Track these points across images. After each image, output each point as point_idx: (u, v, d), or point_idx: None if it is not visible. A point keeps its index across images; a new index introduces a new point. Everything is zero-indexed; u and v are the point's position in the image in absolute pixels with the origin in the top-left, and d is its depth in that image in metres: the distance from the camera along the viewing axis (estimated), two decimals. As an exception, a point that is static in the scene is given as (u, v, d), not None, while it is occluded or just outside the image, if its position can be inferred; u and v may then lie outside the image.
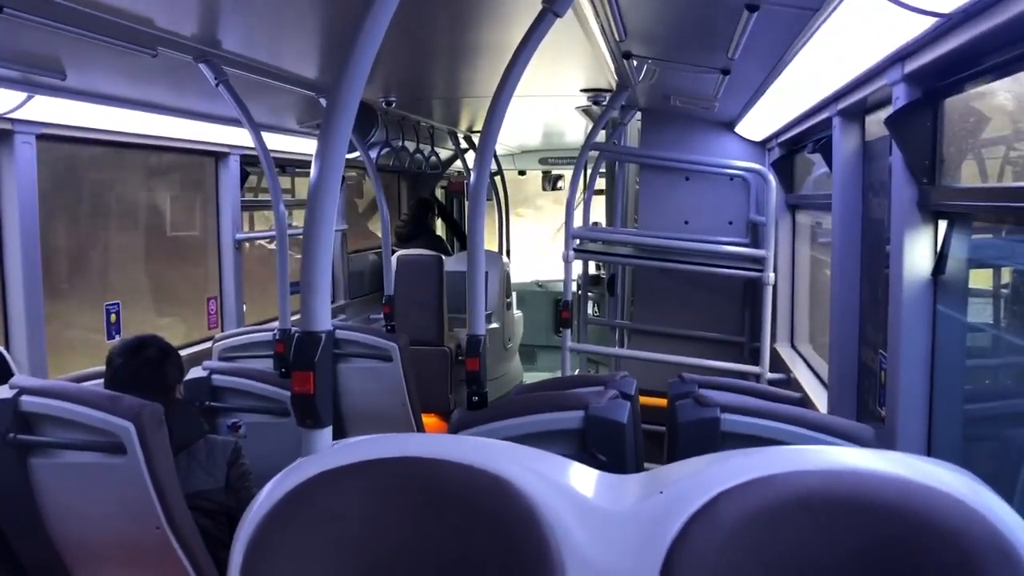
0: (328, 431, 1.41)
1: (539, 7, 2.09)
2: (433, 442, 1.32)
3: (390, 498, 1.24)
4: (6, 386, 2.37)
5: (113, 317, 3.86)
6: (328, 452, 1.32)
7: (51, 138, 3.31)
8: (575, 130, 6.65)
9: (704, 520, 1.16)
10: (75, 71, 2.92)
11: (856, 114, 2.97)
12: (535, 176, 8.75)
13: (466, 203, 8.68)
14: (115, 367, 2.59)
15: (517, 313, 7.14)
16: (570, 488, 1.23)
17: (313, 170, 1.45)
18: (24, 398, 2.33)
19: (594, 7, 2.58)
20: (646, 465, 2.37)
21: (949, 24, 1.73)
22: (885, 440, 2.32)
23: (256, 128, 3.39)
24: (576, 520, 1.20)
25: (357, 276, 6.57)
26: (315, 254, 1.43)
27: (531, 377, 7.50)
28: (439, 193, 8.39)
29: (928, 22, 1.74)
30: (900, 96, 2.19)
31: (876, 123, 2.89)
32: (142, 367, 2.58)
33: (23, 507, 2.39)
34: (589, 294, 6.30)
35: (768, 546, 1.16)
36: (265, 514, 1.23)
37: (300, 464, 1.28)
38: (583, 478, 1.27)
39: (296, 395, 1.38)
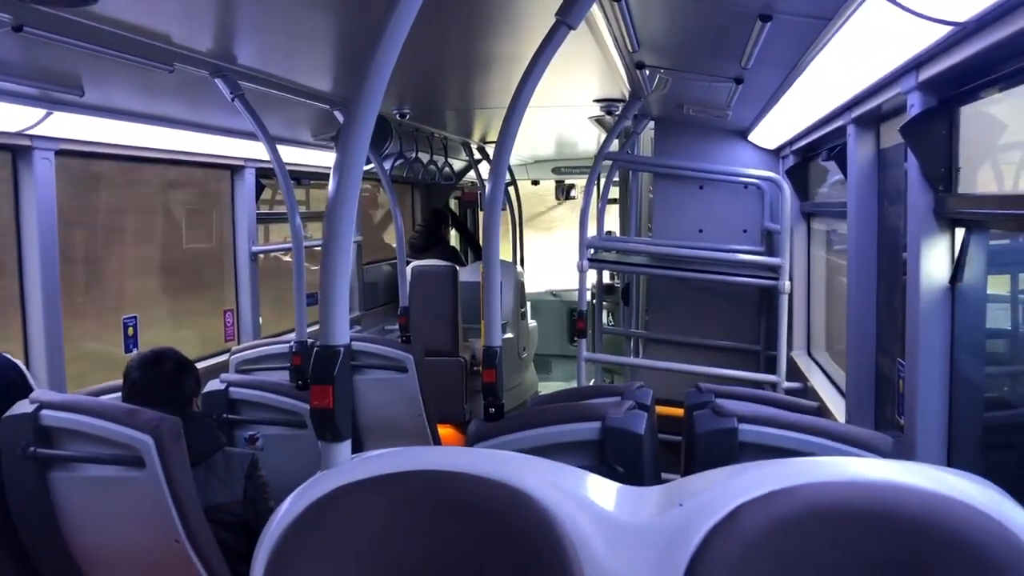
0: (347, 445, 1.41)
1: (548, 18, 2.10)
2: (451, 455, 1.32)
3: (410, 511, 1.24)
4: (26, 400, 2.39)
5: (131, 330, 3.89)
6: (348, 466, 1.33)
7: (69, 154, 3.35)
8: (588, 140, 6.65)
9: (724, 533, 1.16)
10: (93, 87, 2.95)
11: (871, 122, 2.96)
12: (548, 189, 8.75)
13: (480, 213, 8.69)
14: (132, 380, 2.61)
15: (532, 323, 7.13)
16: (589, 501, 1.23)
17: (331, 183, 1.46)
18: (44, 412, 2.35)
19: (607, 18, 2.59)
20: (663, 476, 2.37)
21: (964, 32, 1.73)
22: (904, 449, 2.31)
23: (272, 141, 3.41)
24: (596, 533, 1.20)
25: (371, 287, 6.59)
26: (333, 267, 1.44)
27: (546, 387, 7.49)
28: (453, 204, 8.41)
29: (943, 30, 1.74)
30: (915, 104, 2.18)
31: (891, 130, 2.88)
32: (159, 380, 2.60)
33: (43, 520, 2.41)
34: (603, 303, 6.29)
35: (788, 558, 1.15)
36: (286, 527, 1.24)
37: (320, 478, 1.28)
38: (602, 490, 1.27)
39: (315, 409, 1.39)
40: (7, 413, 2.37)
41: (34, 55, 2.55)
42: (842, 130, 3.14)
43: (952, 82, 2.05)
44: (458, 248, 7.86)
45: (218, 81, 3.04)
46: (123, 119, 3.37)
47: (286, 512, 1.25)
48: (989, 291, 2.22)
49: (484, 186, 7.13)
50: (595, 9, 2.43)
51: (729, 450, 2.12)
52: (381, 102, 1.49)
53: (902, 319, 2.51)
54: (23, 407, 2.36)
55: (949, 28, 1.70)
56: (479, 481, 1.25)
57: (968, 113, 2.13)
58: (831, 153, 3.38)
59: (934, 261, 2.21)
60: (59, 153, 3.24)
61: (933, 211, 2.19)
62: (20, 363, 2.74)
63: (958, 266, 2.20)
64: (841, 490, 1.17)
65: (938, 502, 1.14)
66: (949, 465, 2.22)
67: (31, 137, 3.09)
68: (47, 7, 2.09)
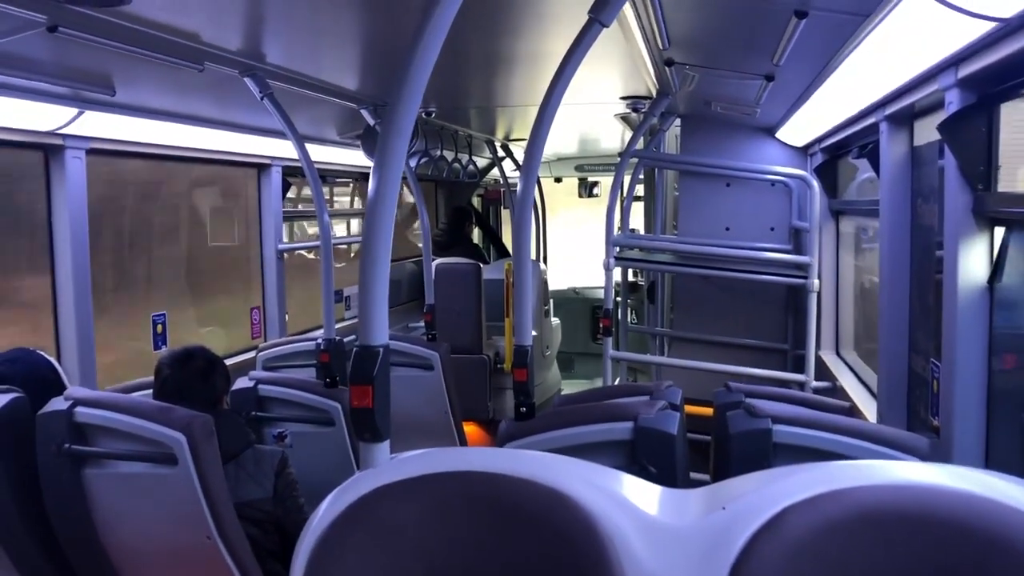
0: (386, 445, 1.41)
1: (576, 16, 2.09)
2: (492, 456, 1.31)
3: (450, 512, 1.23)
4: (61, 398, 2.41)
5: (159, 328, 3.92)
6: (387, 466, 1.32)
7: (100, 152, 3.37)
8: (611, 137, 6.63)
9: (769, 536, 1.15)
10: (124, 87, 2.97)
11: (904, 119, 2.92)
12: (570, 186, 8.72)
13: (503, 211, 8.69)
14: (163, 378, 2.62)
15: (555, 321, 7.12)
16: (631, 503, 1.22)
17: (371, 183, 1.46)
18: (79, 409, 2.36)
19: (637, 15, 2.57)
20: (691, 475, 2.35)
21: (1008, 28, 1.70)
22: (940, 451, 2.28)
23: (300, 140, 3.42)
24: (638, 536, 1.18)
25: (395, 285, 6.59)
26: (373, 267, 1.43)
27: (569, 385, 7.47)
28: (476, 201, 8.41)
29: (985, 27, 1.71)
30: (953, 101, 2.15)
31: (925, 128, 2.84)
32: (190, 378, 2.61)
33: (77, 516, 2.43)
34: (628, 302, 6.27)
35: (835, 562, 1.13)
36: (327, 527, 1.23)
37: (360, 477, 1.28)
38: (643, 493, 1.26)
39: (355, 409, 1.39)
40: (42, 410, 2.39)
41: (66, 55, 2.58)
42: (874, 127, 3.10)
43: (992, 79, 2.01)
44: (481, 246, 7.85)
45: (247, 80, 3.05)
46: (153, 118, 3.40)
47: (326, 511, 1.25)
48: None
49: (507, 184, 7.15)
50: (626, 6, 2.41)
51: (763, 451, 2.09)
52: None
53: (936, 319, 2.48)
54: (58, 404, 2.38)
55: (992, 24, 1.67)
56: (520, 483, 1.24)
57: (1009, 109, 2.10)
58: (862, 151, 3.34)
59: (972, 260, 2.18)
60: (90, 152, 3.27)
61: (972, 210, 2.16)
62: (53, 360, 2.76)
63: (997, 265, 2.17)
64: (889, 493, 1.15)
65: (986, 506, 1.12)
66: (987, 467, 2.19)
67: (63, 136, 3.12)
68: (81, 7, 2.11)
